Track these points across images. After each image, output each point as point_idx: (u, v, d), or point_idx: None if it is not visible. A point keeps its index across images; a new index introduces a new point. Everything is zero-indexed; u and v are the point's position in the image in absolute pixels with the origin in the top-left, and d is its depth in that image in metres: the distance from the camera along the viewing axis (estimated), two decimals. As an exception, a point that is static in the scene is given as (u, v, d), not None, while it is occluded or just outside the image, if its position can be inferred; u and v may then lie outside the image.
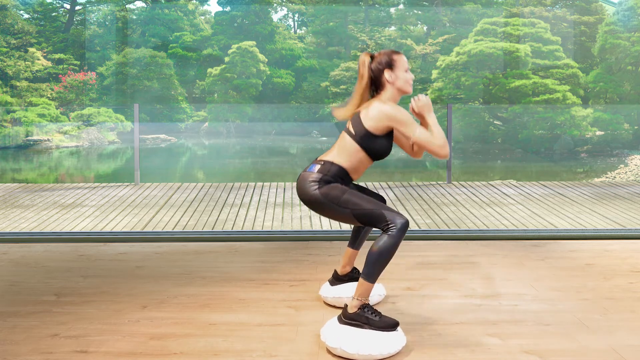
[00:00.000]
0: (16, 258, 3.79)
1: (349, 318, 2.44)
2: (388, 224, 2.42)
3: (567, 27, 21.29)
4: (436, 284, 3.22)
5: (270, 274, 3.42)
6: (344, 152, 2.57)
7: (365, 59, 2.61)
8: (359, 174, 2.63)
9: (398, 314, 2.76)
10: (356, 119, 2.57)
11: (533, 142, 17.95)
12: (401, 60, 2.61)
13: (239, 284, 3.23)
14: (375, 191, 3.30)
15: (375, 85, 2.62)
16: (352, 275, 2.92)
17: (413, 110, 2.62)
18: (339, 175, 2.55)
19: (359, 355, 2.31)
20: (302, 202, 2.57)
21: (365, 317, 2.42)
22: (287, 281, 3.28)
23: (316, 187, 2.52)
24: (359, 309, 2.44)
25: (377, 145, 2.54)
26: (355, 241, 2.90)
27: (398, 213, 2.46)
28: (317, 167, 2.57)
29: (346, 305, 2.48)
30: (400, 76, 2.59)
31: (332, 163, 2.56)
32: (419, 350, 2.40)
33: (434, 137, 2.49)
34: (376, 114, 2.50)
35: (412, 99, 2.63)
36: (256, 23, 24.32)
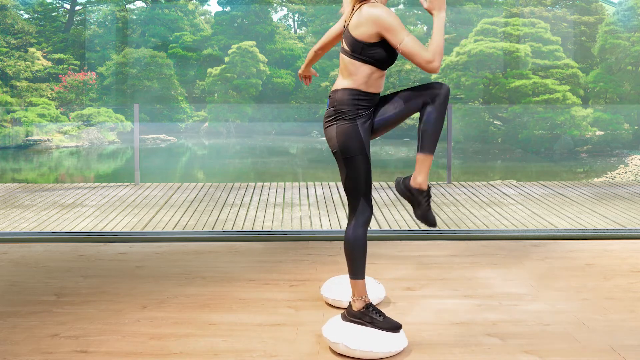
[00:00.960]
0: (16, 258, 3.79)
1: (353, 316, 2.45)
2: (354, 212, 2.44)
3: (567, 27, 21.28)
4: (436, 284, 3.22)
5: (270, 274, 3.42)
6: (347, 73, 2.37)
7: None
8: (377, 87, 2.39)
9: (398, 314, 2.76)
10: (346, 32, 2.36)
11: (533, 142, 17.94)
12: None
13: (239, 284, 3.23)
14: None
15: None
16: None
17: (422, 3, 2.32)
18: (353, 100, 2.35)
19: (361, 352, 2.31)
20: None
21: (369, 316, 2.42)
22: (287, 281, 3.28)
23: (334, 125, 2.38)
24: (363, 307, 2.44)
25: (377, 54, 2.31)
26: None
27: (369, 204, 2.46)
28: (329, 101, 2.42)
29: (350, 305, 2.48)
30: None
31: (339, 90, 2.38)
32: (419, 350, 2.40)
33: (426, 46, 2.22)
34: (362, 19, 2.28)
35: None
36: (256, 23, 24.32)
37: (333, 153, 2.44)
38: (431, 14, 2.30)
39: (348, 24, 2.37)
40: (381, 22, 2.25)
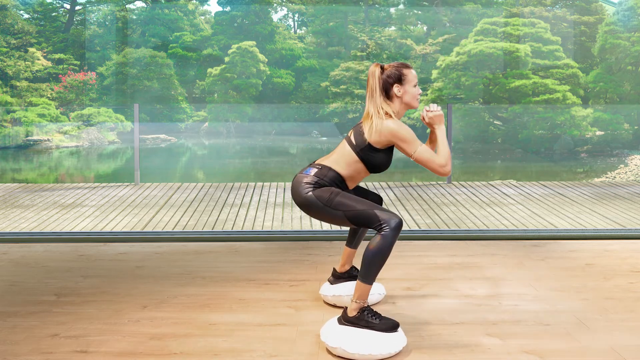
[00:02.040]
0: (16, 258, 3.79)
1: (348, 321, 2.44)
2: (381, 224, 2.42)
3: (567, 27, 21.28)
4: (436, 284, 3.22)
5: (270, 274, 3.42)
6: (343, 160, 2.58)
7: (375, 70, 2.61)
8: (355, 182, 2.65)
9: (398, 314, 2.76)
10: (358, 130, 2.59)
11: (533, 142, 17.94)
12: (411, 75, 2.61)
13: (239, 284, 3.23)
14: (375, 191, 3.35)
15: (382, 95, 2.62)
16: (351, 273, 2.93)
17: (423, 119, 2.65)
18: (335, 181, 2.57)
19: (360, 355, 2.31)
20: (294, 204, 2.60)
21: (365, 320, 2.42)
22: (287, 281, 3.28)
23: (310, 189, 2.53)
24: (358, 312, 2.44)
25: (376, 158, 2.56)
26: (352, 240, 2.91)
27: (391, 213, 2.46)
28: (314, 170, 2.58)
29: (346, 308, 2.48)
30: (409, 91, 2.60)
31: (329, 168, 2.58)
32: (418, 350, 2.40)
33: (436, 154, 2.51)
34: (379, 129, 2.51)
35: (424, 108, 2.65)
36: (256, 23, 24.32)
37: (315, 212, 2.54)
38: (432, 128, 2.66)
39: (363, 124, 2.60)
40: (397, 135, 2.50)
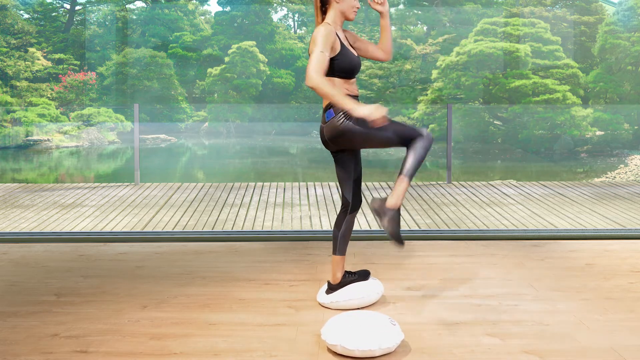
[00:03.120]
0: (16, 258, 3.79)
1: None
2: (419, 134, 2.60)
3: (567, 27, 21.27)
4: (436, 284, 3.22)
5: (270, 274, 3.42)
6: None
7: None
8: (352, 91, 2.73)
9: (398, 314, 2.76)
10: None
11: (533, 142, 17.94)
12: None
13: (239, 284, 3.23)
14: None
15: (322, 3, 2.73)
16: (345, 280, 2.89)
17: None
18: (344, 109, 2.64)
19: (359, 351, 2.32)
20: (329, 142, 2.66)
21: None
22: (287, 281, 3.28)
23: (350, 120, 2.61)
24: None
25: (335, 66, 2.65)
26: (336, 247, 2.88)
27: (421, 129, 2.65)
28: (331, 110, 2.65)
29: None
30: (348, 0, 2.68)
31: (329, 104, 2.67)
32: (418, 350, 2.40)
33: (314, 64, 2.51)
34: (312, 40, 2.61)
35: None
36: (256, 23, 24.31)
37: (362, 137, 2.63)
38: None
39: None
40: (314, 38, 2.59)
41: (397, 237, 2.58)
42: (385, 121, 2.50)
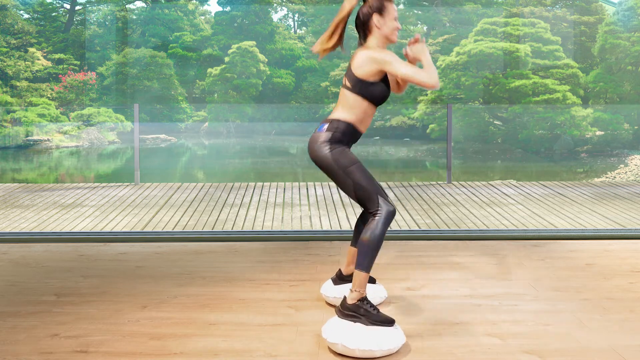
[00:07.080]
0: (16, 258, 3.79)
1: (347, 309, 2.46)
2: (377, 210, 2.49)
3: (567, 27, 21.27)
4: (436, 284, 3.22)
5: (270, 274, 3.42)
6: (347, 106, 2.59)
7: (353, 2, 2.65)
8: (366, 125, 2.65)
9: (398, 314, 2.76)
10: (349, 71, 2.61)
11: (533, 142, 17.94)
12: (391, 8, 2.63)
13: (239, 284, 3.23)
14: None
15: (362, 30, 2.65)
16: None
17: (407, 55, 2.65)
18: (348, 131, 2.58)
19: (360, 351, 2.32)
20: (311, 161, 2.63)
21: (363, 309, 2.44)
22: (287, 281, 3.28)
23: (328, 148, 2.56)
24: (358, 301, 2.46)
25: (375, 91, 2.57)
26: (357, 240, 2.89)
27: (389, 201, 2.53)
28: (326, 125, 2.60)
29: (345, 297, 2.50)
30: (389, 24, 2.62)
31: (339, 120, 2.59)
32: (419, 350, 2.40)
33: (423, 70, 2.49)
34: (363, 60, 2.54)
35: (407, 44, 2.66)
36: (256, 23, 24.31)
37: (330, 172, 2.58)
38: (419, 60, 2.62)
39: (351, 64, 2.62)
40: (379, 59, 2.51)
41: (387, 321, 2.43)
42: (418, 42, 2.55)
